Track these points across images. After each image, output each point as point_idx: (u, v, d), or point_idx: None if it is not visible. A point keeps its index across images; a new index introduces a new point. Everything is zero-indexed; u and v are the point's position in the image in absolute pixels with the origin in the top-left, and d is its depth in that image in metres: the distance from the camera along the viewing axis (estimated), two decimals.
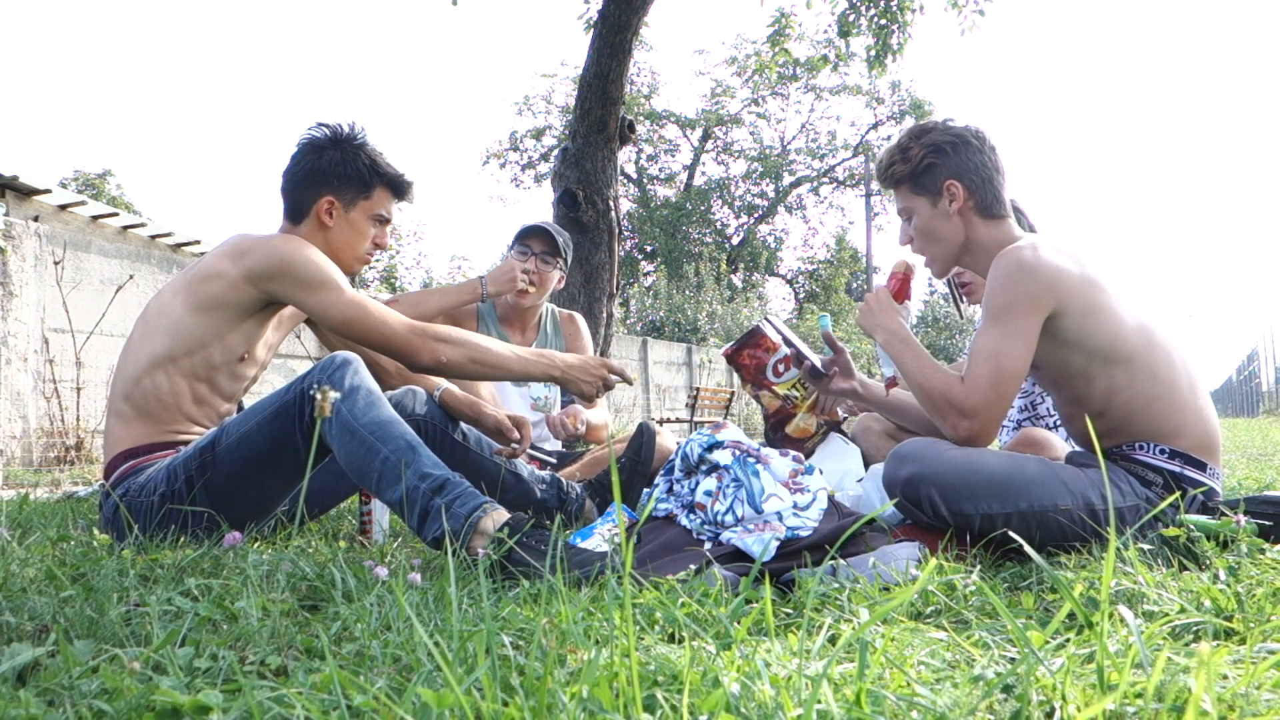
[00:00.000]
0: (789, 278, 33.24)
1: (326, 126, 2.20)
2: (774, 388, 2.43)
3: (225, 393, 2.12)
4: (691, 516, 1.84)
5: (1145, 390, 1.77)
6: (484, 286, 2.82)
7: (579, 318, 3.33)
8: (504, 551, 1.55)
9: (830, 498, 1.88)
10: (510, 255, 3.08)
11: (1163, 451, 1.78)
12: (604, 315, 5.54)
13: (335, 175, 2.15)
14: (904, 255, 2.10)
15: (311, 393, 1.84)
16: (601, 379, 2.14)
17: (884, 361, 2.08)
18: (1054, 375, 1.85)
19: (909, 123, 29.34)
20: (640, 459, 2.36)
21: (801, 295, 32.52)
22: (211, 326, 2.01)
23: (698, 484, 1.88)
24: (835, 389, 2.23)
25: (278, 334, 2.24)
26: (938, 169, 1.93)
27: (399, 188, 2.25)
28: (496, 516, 1.66)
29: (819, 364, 2.23)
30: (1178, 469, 1.78)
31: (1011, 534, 1.35)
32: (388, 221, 2.26)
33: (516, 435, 2.32)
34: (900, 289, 2.06)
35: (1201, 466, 1.79)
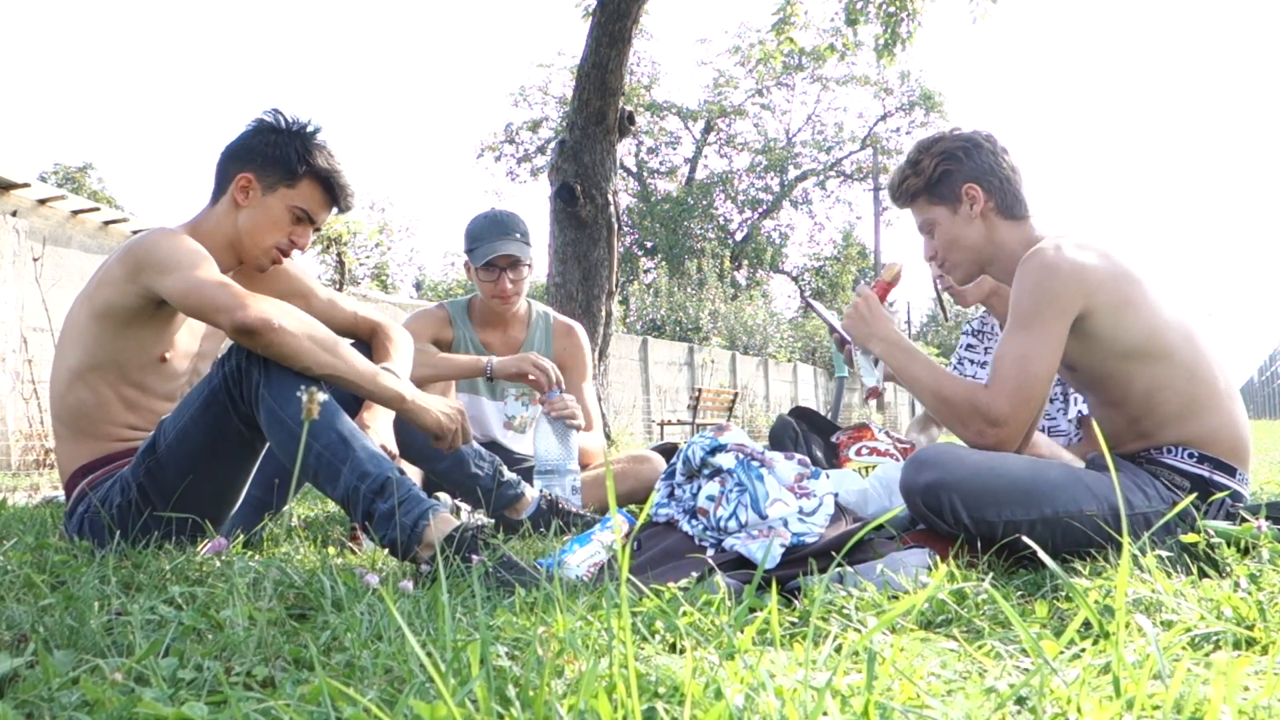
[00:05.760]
0: (794, 275, 33.26)
1: (281, 114, 2.12)
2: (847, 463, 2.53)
3: (160, 393, 2.09)
4: (693, 522, 1.84)
5: (1184, 390, 1.77)
6: (490, 369, 2.71)
7: (579, 331, 3.16)
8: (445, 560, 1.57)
9: (837, 503, 1.88)
10: (472, 273, 2.95)
11: (1191, 455, 1.78)
12: (603, 313, 5.54)
13: (262, 155, 2.07)
14: (896, 258, 2.11)
15: (299, 394, 1.83)
16: (459, 429, 1.95)
17: (865, 371, 2.08)
18: (1090, 376, 1.85)
19: (918, 114, 29.39)
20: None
21: (807, 293, 32.52)
22: (115, 331, 1.98)
23: (699, 488, 1.88)
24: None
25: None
26: (953, 175, 1.93)
27: (331, 190, 2.11)
28: (441, 525, 1.66)
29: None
30: (1206, 473, 1.77)
31: (1027, 540, 1.35)
32: (311, 222, 2.12)
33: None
34: (884, 293, 2.06)
35: (1231, 471, 1.79)
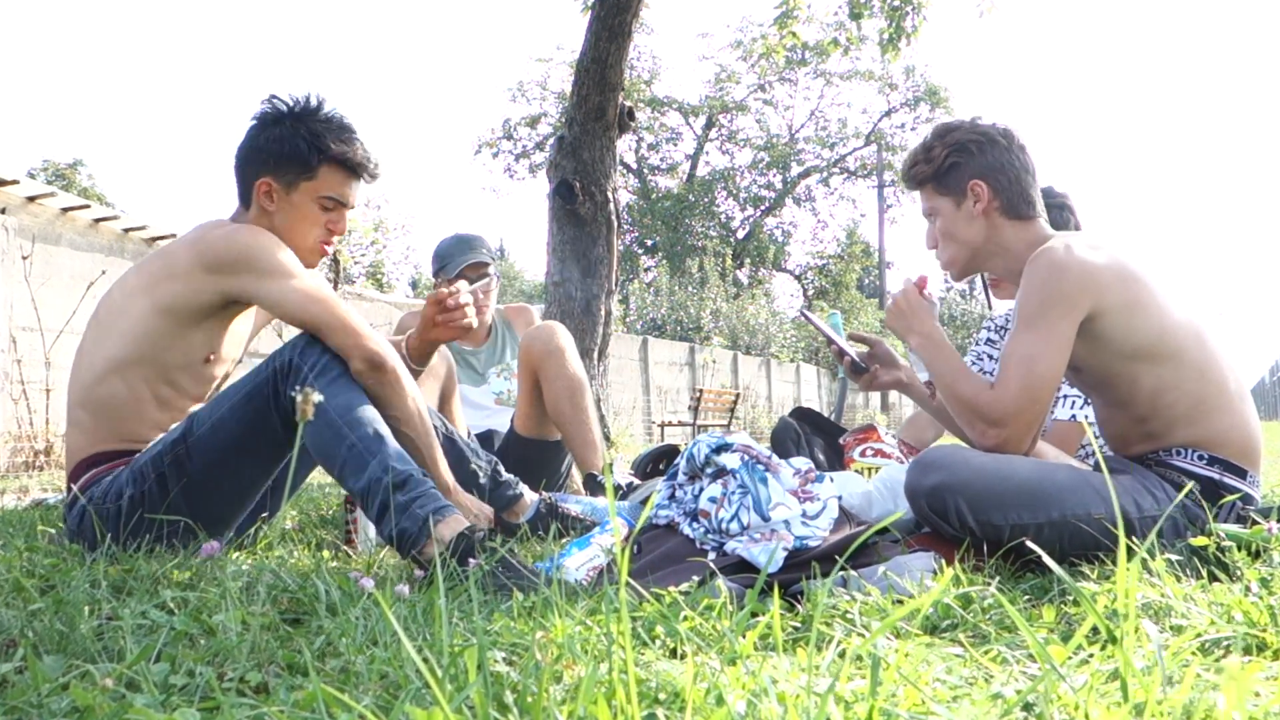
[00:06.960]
0: (797, 273, 33.24)
1: (280, 99, 2.08)
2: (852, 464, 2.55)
3: (192, 394, 2.09)
4: (695, 525, 1.84)
5: (1194, 391, 1.77)
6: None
7: (528, 308, 3.52)
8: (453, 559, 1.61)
9: (841, 506, 1.88)
10: (441, 287, 3.21)
11: (1201, 457, 1.78)
12: (602, 312, 5.53)
13: (273, 154, 2.04)
14: (924, 263, 2.13)
15: (292, 394, 1.84)
16: (488, 518, 2.10)
17: (920, 366, 2.11)
18: (1097, 377, 1.85)
19: (923, 110, 29.39)
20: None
21: (811, 291, 32.52)
22: (172, 329, 1.96)
23: (701, 490, 1.88)
24: (880, 383, 2.23)
25: (246, 323, 2.16)
26: (962, 169, 1.93)
27: (350, 165, 2.09)
28: (454, 524, 1.69)
29: (858, 359, 2.24)
30: (1217, 476, 1.77)
31: (1031, 544, 1.35)
32: (342, 205, 2.11)
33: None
34: (920, 289, 2.08)
35: (1242, 474, 1.79)
